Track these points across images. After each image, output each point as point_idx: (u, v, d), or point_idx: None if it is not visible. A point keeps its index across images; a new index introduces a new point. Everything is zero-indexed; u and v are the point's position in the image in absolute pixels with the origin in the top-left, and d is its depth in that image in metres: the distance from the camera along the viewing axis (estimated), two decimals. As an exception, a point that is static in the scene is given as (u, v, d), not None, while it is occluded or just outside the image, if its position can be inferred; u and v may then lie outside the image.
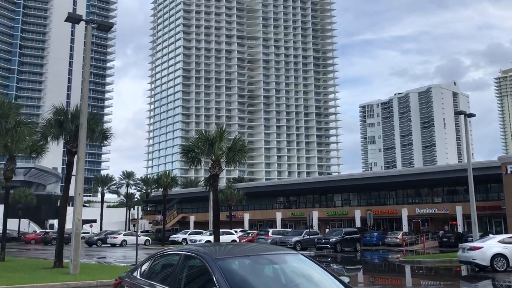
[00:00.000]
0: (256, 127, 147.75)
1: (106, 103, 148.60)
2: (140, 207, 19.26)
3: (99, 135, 20.13)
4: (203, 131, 19.96)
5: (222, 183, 69.60)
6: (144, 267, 6.43)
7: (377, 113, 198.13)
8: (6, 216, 24.82)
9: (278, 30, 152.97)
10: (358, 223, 48.91)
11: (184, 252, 5.73)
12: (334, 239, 35.61)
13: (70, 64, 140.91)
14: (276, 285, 5.15)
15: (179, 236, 48.00)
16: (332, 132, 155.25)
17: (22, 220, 62.44)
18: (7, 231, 28.49)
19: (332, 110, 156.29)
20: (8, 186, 24.94)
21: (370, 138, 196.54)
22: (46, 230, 59.76)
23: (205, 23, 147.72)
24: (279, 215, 56.90)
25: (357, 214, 49.59)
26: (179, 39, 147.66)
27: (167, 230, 58.21)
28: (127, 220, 79.85)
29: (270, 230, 40.02)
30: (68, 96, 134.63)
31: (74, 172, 19.21)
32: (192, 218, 66.07)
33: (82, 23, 18.45)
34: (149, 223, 74.79)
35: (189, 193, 72.20)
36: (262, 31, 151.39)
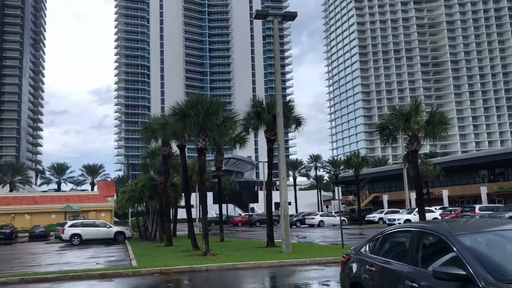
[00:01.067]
0: (445, 96, 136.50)
1: (288, 91, 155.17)
2: (340, 188, 19.37)
3: (293, 121, 21.08)
4: (396, 107, 19.24)
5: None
6: (372, 244, 6.49)
7: None
8: (220, 202, 28.03)
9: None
10: None
11: (417, 229, 5.58)
12: (559, 214, 30.69)
13: (252, 59, 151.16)
14: None
15: (375, 216, 47.52)
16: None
17: (228, 205, 69.72)
18: (218, 215, 32.09)
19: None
20: (219, 175, 28.11)
21: None
22: (250, 213, 65.52)
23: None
24: (483, 190, 51.54)
25: None
26: (352, 16, 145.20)
27: (360, 210, 58.56)
28: (319, 201, 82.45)
29: (477, 206, 36.51)
30: (253, 90, 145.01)
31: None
32: (385, 197, 64.56)
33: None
34: (342, 203, 75.93)
35: (380, 172, 70.74)
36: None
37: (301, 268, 14.54)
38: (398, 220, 36.18)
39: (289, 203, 72.93)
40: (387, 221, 38.05)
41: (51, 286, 12.86)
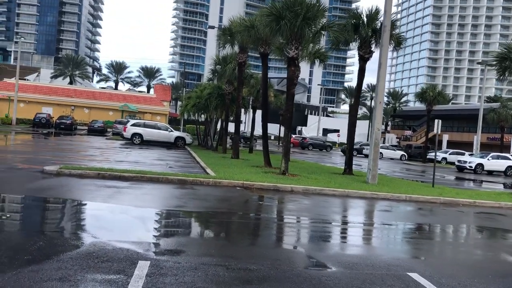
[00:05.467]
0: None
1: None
2: (440, 121, 17.22)
3: (394, 40, 18.55)
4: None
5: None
6: None
7: None
8: (290, 122, 26.24)
9: None
10: None
11: None
12: None
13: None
14: None
15: (438, 155, 45.15)
16: None
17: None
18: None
19: None
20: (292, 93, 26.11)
21: None
22: (303, 136, 64.28)
23: None
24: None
25: None
26: None
27: (417, 147, 56.29)
28: (370, 132, 80.00)
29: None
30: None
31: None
32: (445, 137, 61.22)
33: None
34: (397, 138, 73.16)
35: (448, 110, 66.45)
36: None
37: (398, 205, 13.00)
38: (469, 163, 33.78)
39: (338, 131, 70.72)
40: (456, 163, 35.68)
41: (130, 185, 11.96)
